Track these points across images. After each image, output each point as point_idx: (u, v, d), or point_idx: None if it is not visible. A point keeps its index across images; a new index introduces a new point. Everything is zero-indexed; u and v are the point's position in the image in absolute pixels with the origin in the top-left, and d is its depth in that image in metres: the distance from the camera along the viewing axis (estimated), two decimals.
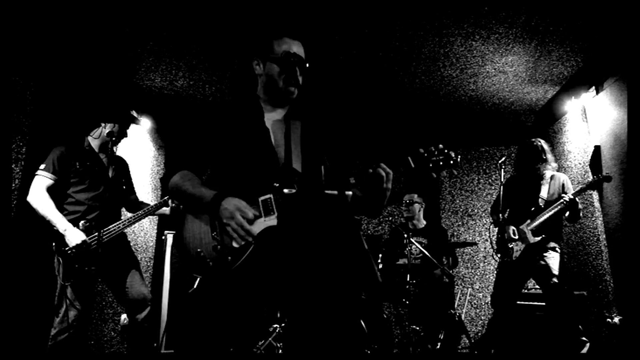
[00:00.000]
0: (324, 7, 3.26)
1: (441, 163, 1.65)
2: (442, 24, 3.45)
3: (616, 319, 3.64)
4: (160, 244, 5.00)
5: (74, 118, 3.61)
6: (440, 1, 3.18)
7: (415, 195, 4.66)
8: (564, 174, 3.87)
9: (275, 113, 1.86)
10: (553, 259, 3.48)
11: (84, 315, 2.78)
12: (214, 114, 1.87)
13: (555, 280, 3.40)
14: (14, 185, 3.23)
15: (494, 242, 3.85)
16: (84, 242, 2.75)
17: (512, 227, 3.64)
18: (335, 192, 1.62)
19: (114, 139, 3.00)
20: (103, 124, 3.06)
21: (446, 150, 1.65)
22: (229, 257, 1.62)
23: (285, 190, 1.64)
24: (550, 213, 3.48)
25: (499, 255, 3.69)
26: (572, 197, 3.39)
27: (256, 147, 1.75)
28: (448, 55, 3.92)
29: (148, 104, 4.83)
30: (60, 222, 2.76)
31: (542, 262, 3.47)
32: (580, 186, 3.54)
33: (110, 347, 4.27)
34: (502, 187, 3.74)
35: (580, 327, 3.43)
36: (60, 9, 3.22)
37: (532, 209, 3.60)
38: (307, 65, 1.80)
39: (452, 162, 1.66)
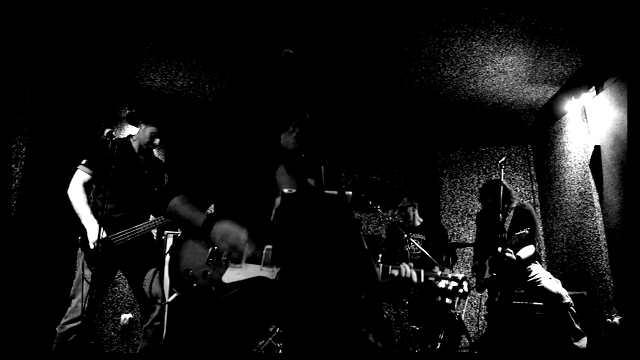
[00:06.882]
0: (324, 7, 3.27)
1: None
2: (442, 24, 3.45)
3: (616, 319, 3.64)
4: (160, 244, 5.00)
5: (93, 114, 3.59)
6: (440, 1, 3.18)
7: (405, 199, 4.66)
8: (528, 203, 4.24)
9: None
10: (535, 268, 3.82)
11: (94, 307, 2.81)
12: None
13: (541, 284, 3.69)
14: (14, 185, 3.23)
15: (478, 276, 4.02)
16: (103, 239, 2.80)
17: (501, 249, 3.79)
18: (335, 192, 1.62)
19: (154, 135, 3.14)
20: (142, 126, 3.17)
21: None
22: (213, 288, 1.65)
23: (285, 190, 1.64)
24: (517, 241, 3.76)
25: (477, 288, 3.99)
26: (519, 255, 3.71)
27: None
28: (448, 55, 3.92)
29: (148, 104, 4.82)
30: (85, 218, 2.86)
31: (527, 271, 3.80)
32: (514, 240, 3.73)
33: (110, 347, 4.27)
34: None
35: (572, 317, 3.53)
36: (60, 9, 3.22)
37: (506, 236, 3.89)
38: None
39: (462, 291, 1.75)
